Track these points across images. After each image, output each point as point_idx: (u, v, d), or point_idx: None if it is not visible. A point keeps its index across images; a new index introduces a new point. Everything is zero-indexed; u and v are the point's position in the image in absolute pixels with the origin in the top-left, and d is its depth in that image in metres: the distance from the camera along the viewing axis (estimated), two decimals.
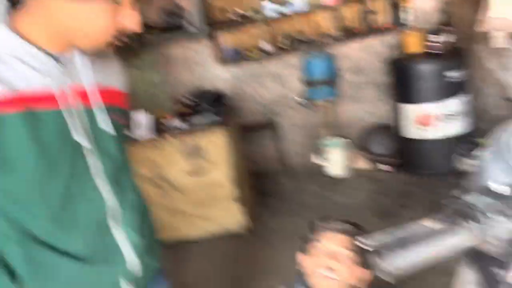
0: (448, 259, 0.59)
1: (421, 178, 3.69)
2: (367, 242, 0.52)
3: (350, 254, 1.21)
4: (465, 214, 0.55)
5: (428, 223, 0.57)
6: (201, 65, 4.33)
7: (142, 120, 3.28)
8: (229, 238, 3.38)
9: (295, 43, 4.09)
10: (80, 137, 0.93)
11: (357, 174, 4.07)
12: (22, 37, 0.87)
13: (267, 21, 3.97)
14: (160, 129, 3.30)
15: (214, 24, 4.00)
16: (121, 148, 1.05)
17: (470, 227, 0.54)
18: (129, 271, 1.02)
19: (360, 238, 0.81)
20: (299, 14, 4.00)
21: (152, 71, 4.38)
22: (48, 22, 0.87)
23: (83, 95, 0.95)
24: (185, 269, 3.08)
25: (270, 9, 3.89)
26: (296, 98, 4.29)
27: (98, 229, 0.98)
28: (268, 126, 4.24)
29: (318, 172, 4.25)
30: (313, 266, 1.23)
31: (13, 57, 0.86)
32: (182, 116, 3.32)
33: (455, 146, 3.52)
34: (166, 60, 4.34)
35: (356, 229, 1.28)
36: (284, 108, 4.41)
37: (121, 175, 1.04)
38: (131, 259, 1.02)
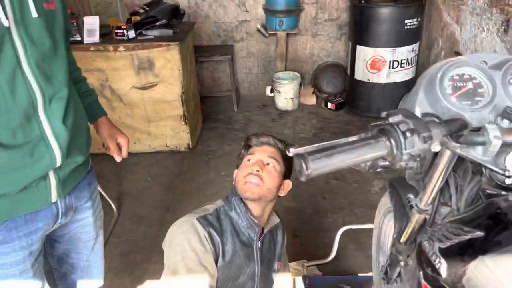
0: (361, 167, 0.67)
1: (365, 119, 3.88)
2: (292, 149, 0.58)
3: (276, 163, 1.32)
4: (386, 133, 0.61)
5: (353, 139, 0.63)
6: None
7: (93, 26, 3.10)
8: (171, 154, 3.44)
9: None
10: (4, 18, 0.89)
11: (304, 109, 4.19)
12: None
13: None
14: (112, 38, 3.15)
15: None
16: (50, 36, 1.01)
17: (388, 143, 0.61)
18: (54, 162, 1.03)
19: (287, 146, 0.89)
20: None
21: None
22: None
23: None
24: (125, 179, 3.14)
25: None
26: (257, 26, 4.21)
27: (24, 118, 0.96)
28: (224, 50, 4.16)
29: (267, 103, 4.33)
30: (242, 174, 1.32)
31: None
32: (136, 26, 3.16)
33: (400, 92, 3.70)
34: None
35: (285, 144, 1.39)
36: (242, 34, 4.33)
37: (51, 66, 1.01)
38: (56, 150, 1.02)
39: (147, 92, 3.27)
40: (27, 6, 0.94)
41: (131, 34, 3.14)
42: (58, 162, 1.04)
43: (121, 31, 3.12)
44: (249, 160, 1.34)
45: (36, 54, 0.96)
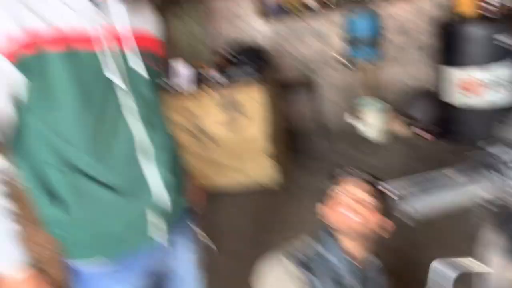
0: (468, 207, 0.62)
1: (460, 147, 3.60)
2: (389, 187, 0.55)
3: (372, 200, 1.24)
4: (487, 165, 0.56)
5: (450, 173, 0.59)
6: (242, 18, 4.31)
7: (181, 70, 3.35)
8: (260, 192, 3.48)
9: (340, 0, 3.96)
10: (111, 74, 1.00)
11: (393, 138, 4.02)
12: None
13: None
14: (199, 80, 3.36)
15: None
16: (153, 91, 1.11)
17: (491, 177, 0.56)
18: (156, 205, 1.10)
19: (383, 184, 0.84)
20: None
21: (193, 21, 4.40)
22: None
23: (117, 37, 1.02)
24: (215, 216, 3.23)
25: None
26: (336, 56, 4.21)
27: (128, 163, 1.05)
28: (306, 84, 4.21)
29: (353, 134, 4.23)
30: (336, 211, 1.27)
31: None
32: (221, 68, 3.35)
33: (498, 116, 3.39)
34: (207, 11, 4.34)
35: (377, 179, 1.31)
36: (323, 66, 4.35)
37: (154, 116, 1.11)
38: (160, 193, 1.10)
39: (235, 130, 3.39)
40: (132, 64, 1.05)
41: (218, 76, 3.33)
42: (161, 203, 1.11)
43: (209, 74, 3.32)
44: (339, 195, 1.30)
45: (142, 106, 1.06)
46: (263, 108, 3.29)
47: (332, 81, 4.40)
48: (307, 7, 4.03)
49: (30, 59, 0.90)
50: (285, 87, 4.15)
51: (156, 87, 1.14)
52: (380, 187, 1.25)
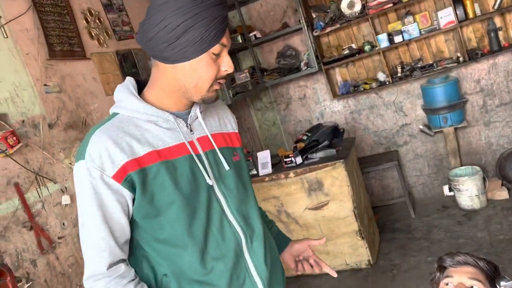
0: None
1: None
2: (506, 283, 0.51)
3: (481, 286, 1.13)
4: None
5: None
6: (317, 101, 4.45)
7: (265, 159, 3.46)
8: (352, 273, 3.30)
9: (414, 70, 3.96)
10: (208, 178, 1.09)
11: (495, 205, 3.68)
12: (154, 105, 1.08)
13: (383, 51, 3.93)
14: (282, 166, 3.44)
15: (328, 61, 4.09)
16: (243, 183, 1.19)
17: None
18: None
19: (499, 279, 0.76)
20: (416, 40, 3.89)
21: (271, 111, 4.63)
22: (169, 87, 1.07)
23: (207, 142, 1.14)
24: None
25: (385, 39, 3.85)
26: (419, 127, 4.11)
27: (234, 262, 1.09)
28: (389, 157, 4.10)
29: (447, 204, 3.95)
30: None
31: (151, 122, 1.07)
32: (302, 152, 3.41)
33: None
34: (284, 99, 4.56)
35: (488, 265, 1.19)
36: (405, 137, 4.25)
37: (247, 207, 1.17)
38: (259, 285, 1.12)
39: (320, 212, 3.35)
40: (221, 164, 1.14)
41: (299, 160, 3.39)
42: None
43: (289, 159, 3.40)
44: (447, 284, 1.19)
45: (234, 200, 1.13)
46: (347, 186, 3.24)
47: (416, 151, 4.25)
48: (380, 82, 4.06)
49: (132, 175, 1.00)
50: (366, 162, 4.09)
51: (244, 179, 1.21)
52: (488, 271, 1.14)
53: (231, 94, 3.52)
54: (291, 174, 3.36)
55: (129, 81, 1.13)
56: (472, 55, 3.71)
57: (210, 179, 1.09)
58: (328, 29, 3.99)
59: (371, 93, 4.22)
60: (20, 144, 1.96)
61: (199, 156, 1.10)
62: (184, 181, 1.05)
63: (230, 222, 1.10)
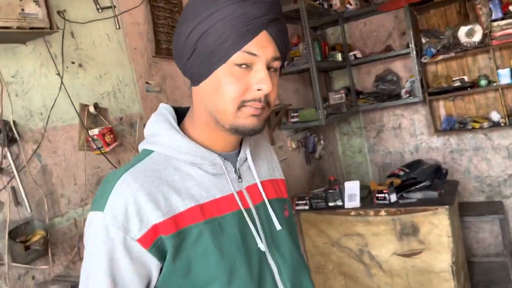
0: None
1: None
2: None
3: None
4: None
5: None
6: (413, 133, 4.05)
7: (353, 191, 3.14)
8: None
9: None
10: (260, 242, 0.84)
11: None
12: (196, 141, 0.83)
13: (501, 88, 3.47)
14: (372, 202, 3.09)
15: (435, 92, 3.70)
16: (296, 245, 0.94)
17: None
18: None
19: None
20: None
21: (359, 137, 4.29)
22: (203, 117, 0.83)
23: (257, 192, 0.89)
24: None
25: (507, 75, 3.39)
26: None
27: None
28: (493, 208, 3.60)
29: None
30: None
31: (194, 165, 0.82)
32: (397, 189, 3.05)
33: None
34: (376, 127, 4.21)
35: None
36: None
37: (300, 275, 0.92)
38: None
39: (410, 260, 2.95)
40: (272, 224, 0.88)
41: (393, 197, 3.02)
42: None
43: (382, 195, 3.04)
44: None
45: (287, 269, 0.88)
46: (448, 237, 2.82)
47: None
48: (491, 121, 3.59)
49: (165, 239, 0.75)
50: (464, 209, 3.61)
51: (296, 242, 0.95)
52: None
53: (325, 114, 3.24)
54: (382, 212, 3.00)
55: (166, 109, 0.87)
56: None
57: (262, 243, 0.84)
58: (440, 57, 3.60)
59: (479, 133, 3.75)
60: (116, 143, 1.82)
61: (249, 211, 0.85)
62: (233, 248, 0.80)
63: None
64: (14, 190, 1.51)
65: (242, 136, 0.87)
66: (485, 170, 3.80)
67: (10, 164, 1.50)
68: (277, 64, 0.79)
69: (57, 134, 1.70)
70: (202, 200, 0.80)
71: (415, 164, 3.28)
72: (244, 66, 0.75)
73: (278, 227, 0.89)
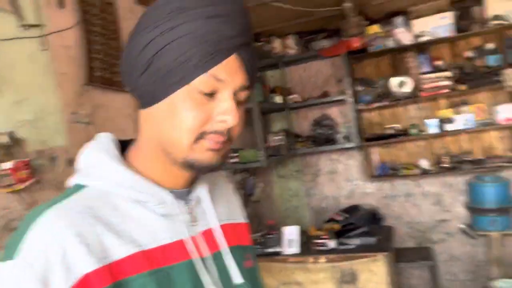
0: None
1: None
2: None
3: None
4: None
5: None
6: (348, 179, 4.09)
7: (293, 236, 3.02)
8: None
9: (460, 163, 3.64)
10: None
11: None
12: (142, 175, 0.69)
13: (428, 138, 3.64)
14: (310, 248, 2.99)
15: (368, 139, 3.79)
16: None
17: None
18: None
19: None
20: (467, 131, 3.62)
21: (296, 180, 4.25)
22: (150, 145, 0.69)
23: (210, 239, 0.75)
24: None
25: (435, 125, 3.57)
26: (459, 225, 3.72)
27: None
28: (423, 254, 3.66)
29: None
30: None
31: (138, 203, 0.67)
32: (337, 234, 2.98)
33: None
34: (313, 171, 4.20)
35: None
36: (441, 235, 3.84)
37: None
38: None
39: None
40: (231, 276, 0.75)
41: (332, 244, 2.95)
42: None
43: (322, 240, 2.96)
44: None
45: None
46: (385, 283, 2.78)
47: (453, 253, 3.82)
48: (421, 169, 3.74)
49: None
50: (400, 257, 3.63)
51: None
52: None
53: (266, 155, 3.15)
54: (322, 259, 2.90)
55: (106, 137, 0.72)
56: None
57: None
58: (375, 105, 3.73)
59: (409, 180, 3.88)
60: (33, 179, 1.55)
61: (204, 261, 0.72)
62: None
63: None
64: None
65: (197, 172, 0.71)
66: (416, 216, 3.90)
67: None
68: (244, 94, 0.67)
69: None
70: (147, 246, 0.65)
71: (353, 209, 3.27)
72: (208, 93, 0.63)
73: (237, 280, 0.74)
